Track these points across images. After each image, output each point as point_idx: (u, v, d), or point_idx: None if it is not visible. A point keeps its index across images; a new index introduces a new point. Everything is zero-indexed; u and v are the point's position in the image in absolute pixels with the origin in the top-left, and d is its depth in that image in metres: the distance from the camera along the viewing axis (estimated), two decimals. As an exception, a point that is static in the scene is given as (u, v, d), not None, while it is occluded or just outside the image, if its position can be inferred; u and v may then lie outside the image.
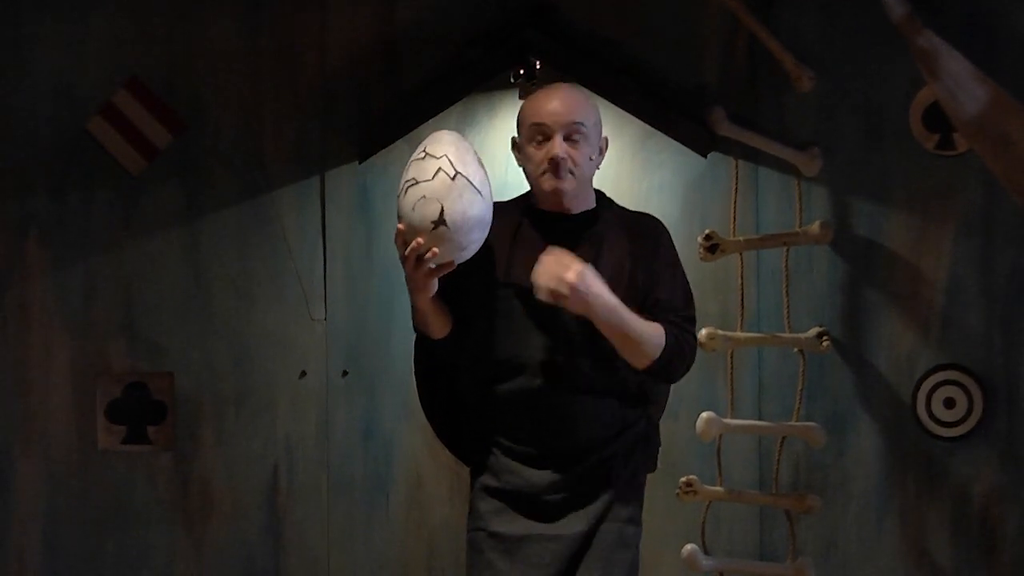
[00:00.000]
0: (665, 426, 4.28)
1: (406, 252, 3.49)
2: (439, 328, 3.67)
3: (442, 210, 3.45)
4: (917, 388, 4.16)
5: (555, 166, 3.58)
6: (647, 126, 4.23)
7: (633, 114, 4.21)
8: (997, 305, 4.10)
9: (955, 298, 4.13)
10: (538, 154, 3.61)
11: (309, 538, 4.47)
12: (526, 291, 3.55)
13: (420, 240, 3.46)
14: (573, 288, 3.43)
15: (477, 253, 3.57)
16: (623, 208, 3.76)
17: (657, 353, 3.55)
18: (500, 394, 3.65)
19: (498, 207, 3.63)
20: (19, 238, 4.54)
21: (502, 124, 4.36)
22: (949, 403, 4.12)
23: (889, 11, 3.75)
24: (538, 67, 4.20)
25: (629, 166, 4.33)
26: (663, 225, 3.74)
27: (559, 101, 3.62)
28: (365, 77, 4.44)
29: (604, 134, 3.70)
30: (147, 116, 4.49)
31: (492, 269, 3.65)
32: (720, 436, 4.21)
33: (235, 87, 4.49)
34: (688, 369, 3.70)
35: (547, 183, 3.61)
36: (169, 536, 4.51)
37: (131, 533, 4.51)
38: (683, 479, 4.21)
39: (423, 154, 3.54)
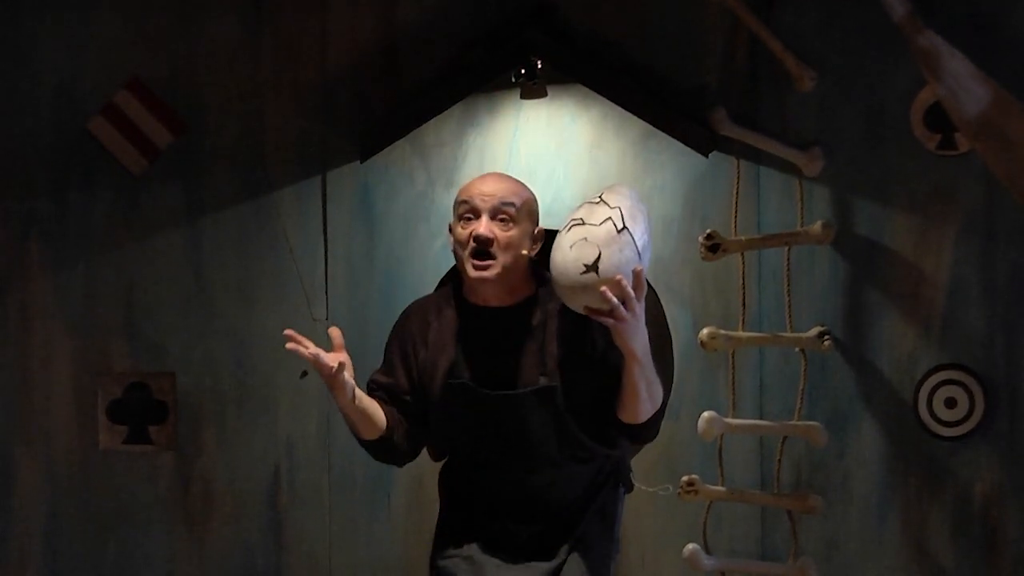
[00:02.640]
0: (666, 426, 4.28)
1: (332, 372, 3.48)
2: (367, 430, 3.66)
3: (599, 256, 3.40)
4: (918, 388, 4.15)
5: (481, 248, 3.55)
6: (648, 126, 4.23)
7: (634, 114, 4.20)
8: (998, 305, 4.10)
9: (956, 298, 4.13)
10: (464, 232, 3.59)
11: (310, 538, 4.47)
12: (470, 392, 3.59)
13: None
14: (635, 311, 3.38)
15: (428, 352, 3.62)
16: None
17: (653, 410, 3.57)
18: (463, 482, 3.74)
19: (430, 301, 3.69)
20: (20, 238, 4.54)
21: (503, 125, 4.37)
22: (950, 403, 4.12)
23: (890, 11, 3.76)
24: (539, 67, 4.19)
25: (630, 166, 4.33)
26: (657, 297, 3.80)
27: (491, 182, 3.63)
28: (366, 77, 4.44)
29: (541, 226, 3.67)
30: (148, 116, 4.49)
31: (444, 368, 3.65)
32: (721, 436, 4.21)
33: (236, 87, 4.49)
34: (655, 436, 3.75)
35: (471, 270, 3.58)
36: (170, 536, 4.51)
37: (132, 533, 4.51)
38: (684, 479, 4.21)
39: (598, 200, 3.51)
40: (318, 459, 4.47)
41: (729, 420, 4.18)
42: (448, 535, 3.78)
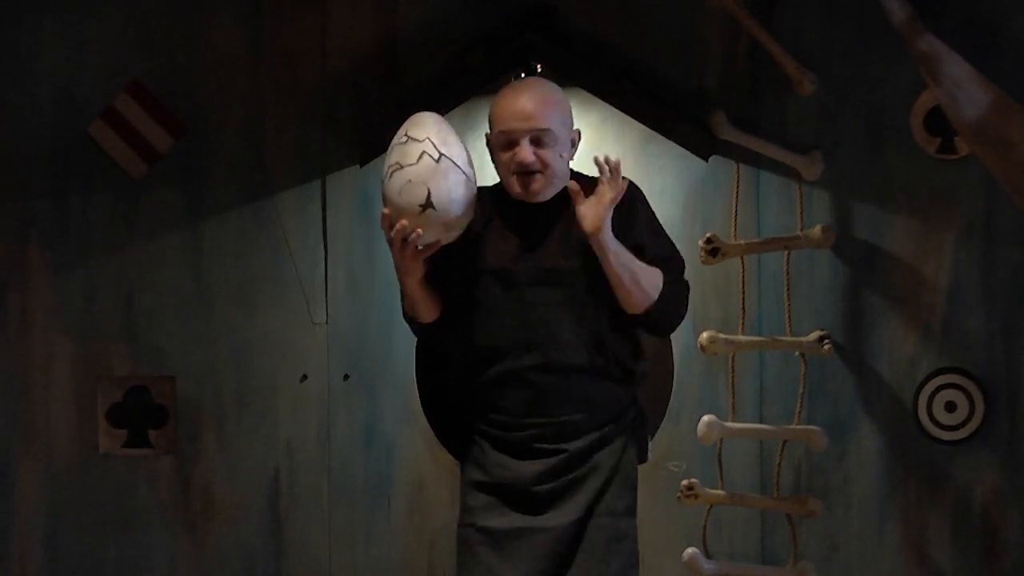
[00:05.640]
0: (666, 429, 4.30)
1: (392, 234, 3.52)
2: (427, 312, 3.71)
3: (429, 193, 3.51)
4: (918, 392, 4.15)
5: (524, 171, 3.63)
6: (648, 130, 4.23)
7: (634, 117, 4.21)
8: (998, 309, 4.10)
9: (956, 302, 4.13)
10: (505, 157, 3.66)
11: (310, 542, 4.47)
12: (504, 275, 3.63)
13: (404, 222, 3.50)
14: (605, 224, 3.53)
15: (454, 241, 3.61)
16: (593, 178, 3.71)
17: (656, 294, 3.62)
18: (486, 379, 3.68)
19: (476, 197, 3.67)
20: (20, 242, 4.54)
21: (503, 127, 4.36)
22: (950, 407, 4.12)
23: (890, 15, 3.76)
24: (539, 70, 4.19)
25: (630, 170, 4.31)
26: (636, 186, 3.76)
27: (524, 105, 3.65)
28: (366, 80, 4.44)
29: (576, 127, 3.73)
30: (148, 120, 4.49)
31: (470, 256, 3.69)
32: (721, 440, 4.21)
33: (236, 91, 4.49)
34: (681, 319, 3.78)
35: (515, 188, 3.66)
36: (170, 540, 4.50)
37: (132, 537, 4.51)
38: (684, 483, 4.20)
39: (405, 138, 3.59)
40: (318, 462, 4.47)
41: (729, 424, 4.18)
42: (468, 496, 3.73)
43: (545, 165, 3.64)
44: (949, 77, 3.71)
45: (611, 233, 3.55)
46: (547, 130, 3.64)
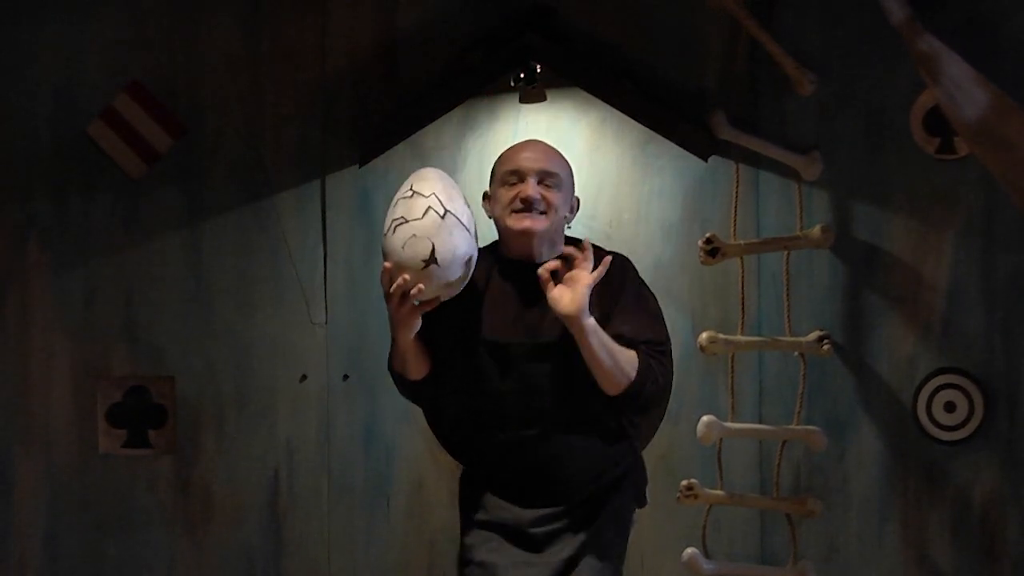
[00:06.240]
0: (665, 430, 4.30)
1: (391, 289, 3.53)
2: (416, 369, 3.73)
3: (433, 248, 3.51)
4: (918, 392, 4.15)
5: (527, 203, 3.64)
6: (647, 130, 4.23)
7: (633, 118, 4.20)
8: (998, 309, 4.10)
9: (956, 302, 4.13)
10: (509, 194, 3.67)
11: (310, 542, 4.47)
12: (502, 349, 3.65)
13: (405, 276, 3.51)
14: (581, 308, 3.51)
15: (449, 304, 3.62)
16: (597, 248, 3.73)
17: (632, 375, 3.59)
18: (484, 444, 3.72)
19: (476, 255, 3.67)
20: (20, 242, 4.55)
21: (503, 128, 4.37)
22: (950, 407, 4.12)
23: (889, 15, 3.75)
24: (539, 71, 4.19)
25: (629, 170, 4.34)
26: (629, 262, 3.79)
27: (535, 150, 3.72)
28: (365, 81, 4.45)
29: (577, 195, 3.78)
30: (148, 120, 4.49)
31: (465, 320, 3.70)
32: (721, 440, 4.21)
33: (236, 91, 4.49)
34: (664, 398, 3.80)
35: (516, 222, 3.66)
36: (170, 540, 4.51)
37: (132, 537, 4.51)
38: (684, 483, 4.21)
39: (410, 192, 3.59)
40: (317, 463, 4.47)
41: (728, 424, 4.18)
42: (469, 535, 3.78)
43: (549, 205, 3.65)
44: (949, 77, 3.70)
45: (588, 315, 3.54)
46: (555, 175, 3.68)
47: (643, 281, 3.80)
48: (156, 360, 4.51)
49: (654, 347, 3.68)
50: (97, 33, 4.52)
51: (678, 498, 4.21)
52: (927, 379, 4.14)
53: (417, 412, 4.35)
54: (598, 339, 3.56)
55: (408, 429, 4.43)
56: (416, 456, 4.44)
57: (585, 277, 3.53)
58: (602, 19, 4.32)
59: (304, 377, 4.47)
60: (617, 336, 3.62)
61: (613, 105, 4.20)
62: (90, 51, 4.52)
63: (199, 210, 4.50)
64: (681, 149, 4.22)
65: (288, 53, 4.47)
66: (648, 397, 3.66)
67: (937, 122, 4.07)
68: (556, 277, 3.59)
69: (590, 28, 4.32)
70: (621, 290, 3.70)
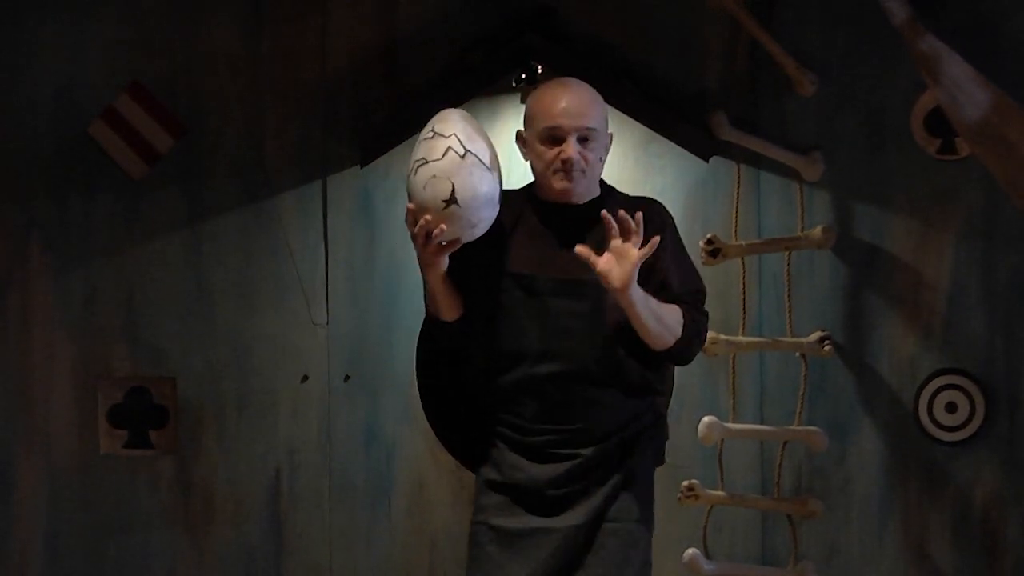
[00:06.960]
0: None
1: (415, 229, 3.51)
2: (449, 310, 3.67)
3: (453, 188, 3.48)
4: (919, 392, 4.15)
5: (568, 169, 3.60)
6: (649, 130, 4.23)
7: (634, 118, 4.20)
8: (999, 309, 4.10)
9: (957, 302, 4.13)
10: (549, 154, 3.62)
11: (311, 542, 4.47)
12: (527, 281, 3.60)
13: (428, 217, 3.48)
14: (630, 284, 3.45)
15: (479, 241, 3.59)
16: (626, 195, 3.75)
17: (679, 332, 3.58)
18: (503, 384, 3.66)
19: (501, 196, 3.65)
20: (21, 242, 4.54)
21: (504, 128, 4.36)
22: (951, 407, 4.12)
23: (890, 15, 3.75)
24: (540, 71, 4.19)
25: (631, 170, 4.33)
26: (666, 209, 3.73)
27: (572, 103, 3.63)
28: (366, 81, 4.44)
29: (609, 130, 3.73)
30: (149, 120, 4.49)
31: (494, 258, 3.66)
32: (722, 440, 4.21)
33: (237, 91, 4.49)
34: (701, 348, 3.73)
35: (558, 183, 3.62)
36: (171, 540, 4.51)
37: (133, 537, 4.51)
38: (685, 483, 4.20)
39: (432, 133, 3.56)
40: (318, 463, 4.47)
41: (729, 425, 4.18)
42: (482, 494, 3.72)
43: (588, 163, 3.62)
44: (949, 77, 3.71)
45: (637, 288, 3.48)
46: (594, 130, 3.62)
47: (676, 228, 3.76)
48: (157, 360, 4.51)
49: (697, 298, 3.67)
50: (97, 33, 4.52)
51: (679, 499, 4.21)
52: (928, 380, 4.14)
53: (418, 412, 4.36)
54: (646, 307, 3.52)
55: (409, 429, 4.43)
56: (417, 456, 4.44)
57: (633, 253, 3.45)
58: (602, 19, 4.32)
59: (305, 378, 4.47)
60: (664, 286, 3.60)
61: (614, 105, 4.18)
62: (90, 51, 4.52)
63: (200, 210, 4.50)
64: (682, 149, 4.22)
65: (288, 53, 4.47)
66: (692, 351, 3.66)
67: (938, 123, 4.06)
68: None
69: (590, 28, 4.31)
70: (663, 236, 3.60)
